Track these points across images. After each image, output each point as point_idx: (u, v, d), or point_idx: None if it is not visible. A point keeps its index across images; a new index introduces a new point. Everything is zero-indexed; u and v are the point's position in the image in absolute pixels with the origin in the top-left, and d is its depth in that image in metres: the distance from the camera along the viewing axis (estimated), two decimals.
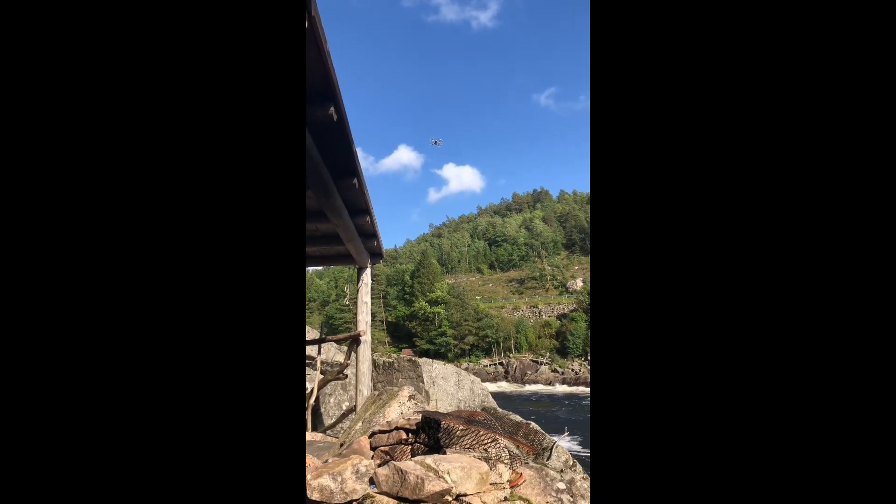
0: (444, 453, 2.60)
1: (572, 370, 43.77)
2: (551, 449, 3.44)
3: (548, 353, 47.49)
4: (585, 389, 36.63)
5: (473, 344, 51.08)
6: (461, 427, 2.71)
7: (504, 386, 40.74)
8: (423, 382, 9.30)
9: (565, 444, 14.09)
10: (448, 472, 2.12)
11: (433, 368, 9.50)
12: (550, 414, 22.86)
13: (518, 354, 48.77)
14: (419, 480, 1.99)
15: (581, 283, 57.74)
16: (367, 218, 4.45)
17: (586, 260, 67.03)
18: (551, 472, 2.78)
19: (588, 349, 44.70)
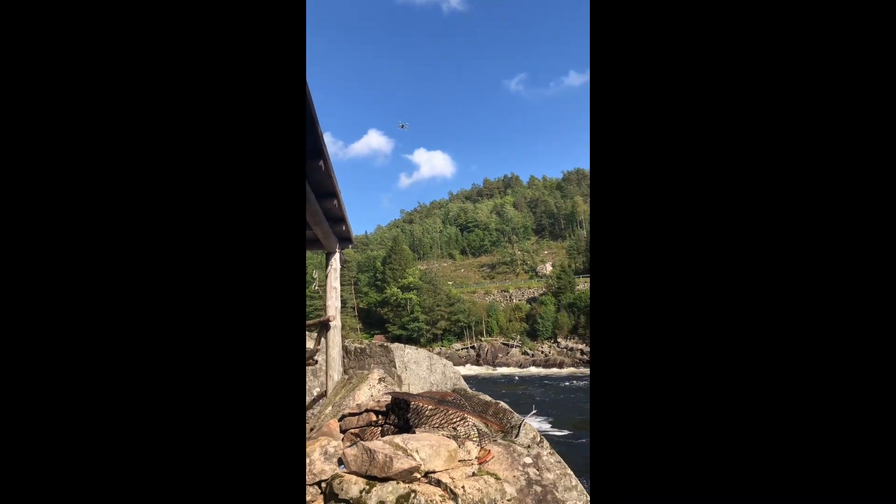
0: (414, 433, 2.63)
1: (542, 352, 44.71)
2: (520, 426, 3.53)
3: (518, 336, 48.33)
4: (556, 371, 37.55)
5: (446, 329, 51.46)
6: (430, 407, 2.74)
7: (476, 369, 41.31)
8: (396, 367, 9.31)
9: (535, 424, 14.38)
10: (417, 451, 2.14)
11: (405, 353, 9.52)
12: (522, 394, 23.35)
13: (489, 338, 49.44)
14: (388, 459, 2.01)
15: (550, 268, 58.72)
16: (335, 201, 4.38)
17: (555, 244, 68.12)
18: (518, 448, 2.86)
19: (557, 331, 45.71)
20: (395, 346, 9.74)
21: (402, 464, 2.03)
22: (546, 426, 14.55)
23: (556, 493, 2.53)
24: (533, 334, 47.63)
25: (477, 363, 45.34)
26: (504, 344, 47.94)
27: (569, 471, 3.34)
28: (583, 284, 48.89)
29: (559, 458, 3.37)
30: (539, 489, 2.49)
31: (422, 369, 10.06)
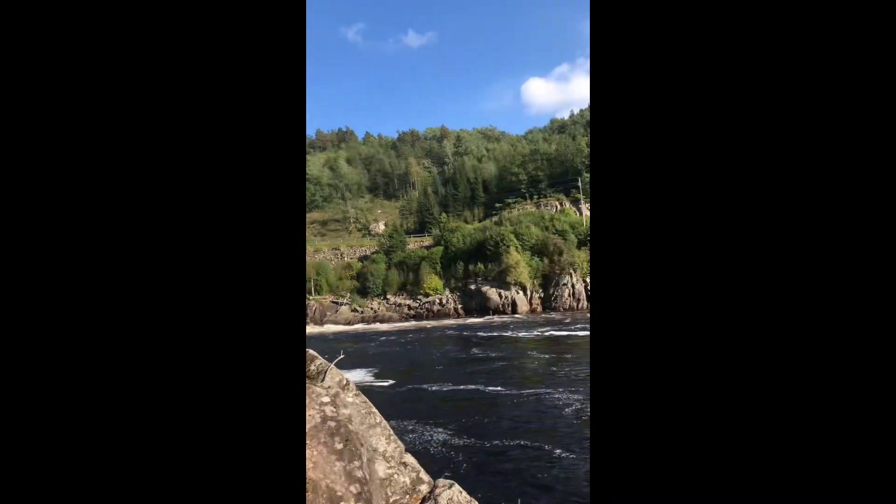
0: None
1: (372, 309, 45.74)
2: (326, 371, 3.59)
3: (349, 294, 48.43)
4: (381, 326, 38.89)
5: None
6: None
7: None
8: None
9: (357, 376, 14.79)
10: None
11: None
12: (352, 351, 23.69)
13: (318, 297, 48.49)
14: None
15: (383, 227, 59.57)
16: None
17: (388, 204, 69.09)
18: (318, 390, 2.92)
19: (387, 289, 47.09)
20: None
21: None
22: (369, 378, 15.10)
23: (351, 427, 2.67)
24: (363, 292, 48.21)
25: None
26: (333, 302, 47.60)
27: (374, 409, 3.55)
28: (412, 244, 50.89)
29: (365, 399, 3.54)
30: (334, 424, 2.59)
31: None
